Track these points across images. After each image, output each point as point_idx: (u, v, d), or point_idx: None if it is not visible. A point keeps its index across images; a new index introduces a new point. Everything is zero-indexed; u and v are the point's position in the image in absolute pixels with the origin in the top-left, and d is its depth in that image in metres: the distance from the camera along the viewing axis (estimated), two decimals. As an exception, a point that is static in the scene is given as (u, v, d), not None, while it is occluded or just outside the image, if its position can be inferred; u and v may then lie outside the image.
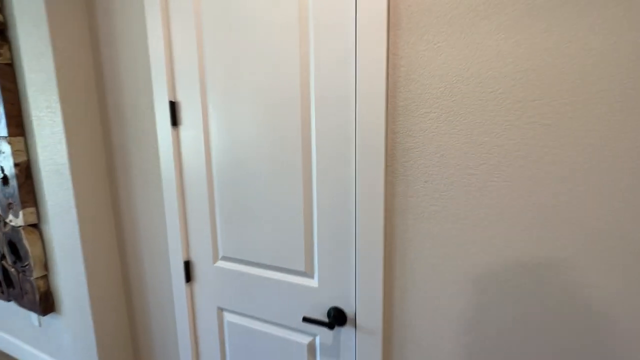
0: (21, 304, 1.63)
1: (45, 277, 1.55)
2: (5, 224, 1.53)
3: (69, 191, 1.14)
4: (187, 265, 1.16)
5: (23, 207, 1.43)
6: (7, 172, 1.42)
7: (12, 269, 1.59)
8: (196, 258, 1.15)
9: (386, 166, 0.81)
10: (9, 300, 1.70)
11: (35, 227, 1.50)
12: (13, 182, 1.41)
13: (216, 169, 1.04)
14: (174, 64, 1.03)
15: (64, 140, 1.10)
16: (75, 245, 1.19)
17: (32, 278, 1.51)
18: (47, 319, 1.67)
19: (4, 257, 1.62)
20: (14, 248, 1.54)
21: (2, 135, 1.38)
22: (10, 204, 1.46)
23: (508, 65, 0.67)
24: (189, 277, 1.17)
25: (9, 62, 1.35)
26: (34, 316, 1.72)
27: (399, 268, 0.85)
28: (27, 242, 1.47)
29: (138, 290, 1.33)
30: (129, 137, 1.17)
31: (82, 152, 1.15)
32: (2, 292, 1.70)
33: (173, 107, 1.05)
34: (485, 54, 0.68)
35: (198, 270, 1.15)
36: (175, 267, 1.17)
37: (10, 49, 1.35)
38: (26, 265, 1.51)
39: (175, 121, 1.06)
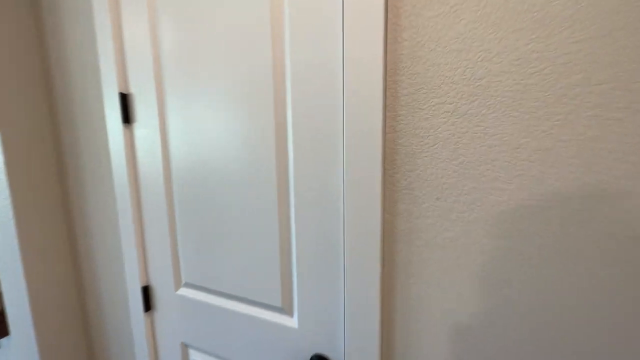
0: (-25, 325, 1.45)
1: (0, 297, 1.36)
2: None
3: (7, 200, 0.96)
4: (146, 291, 0.97)
5: (-29, 217, 1.24)
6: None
7: (-36, 286, 1.41)
8: (156, 283, 0.95)
9: (384, 176, 0.61)
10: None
11: (-12, 239, 1.31)
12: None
13: (176, 176, 0.84)
14: (124, 45, 0.84)
15: (-2, 141, 0.92)
16: (15, 261, 1.00)
17: (-16, 297, 1.32)
18: (4, 341, 1.48)
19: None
20: (-35, 262, 1.36)
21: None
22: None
23: (560, 34, 0.46)
24: (148, 305, 0.97)
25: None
26: (-9, 338, 1.53)
27: (401, 310, 0.64)
28: (-22, 256, 1.29)
29: (95, 318, 1.13)
30: (80, 137, 0.98)
31: (24, 155, 0.96)
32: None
33: (125, 100, 0.86)
34: (525, 19, 0.48)
35: (159, 298, 0.96)
36: (133, 293, 0.97)
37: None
38: (-22, 282, 1.32)
39: (127, 117, 0.87)
